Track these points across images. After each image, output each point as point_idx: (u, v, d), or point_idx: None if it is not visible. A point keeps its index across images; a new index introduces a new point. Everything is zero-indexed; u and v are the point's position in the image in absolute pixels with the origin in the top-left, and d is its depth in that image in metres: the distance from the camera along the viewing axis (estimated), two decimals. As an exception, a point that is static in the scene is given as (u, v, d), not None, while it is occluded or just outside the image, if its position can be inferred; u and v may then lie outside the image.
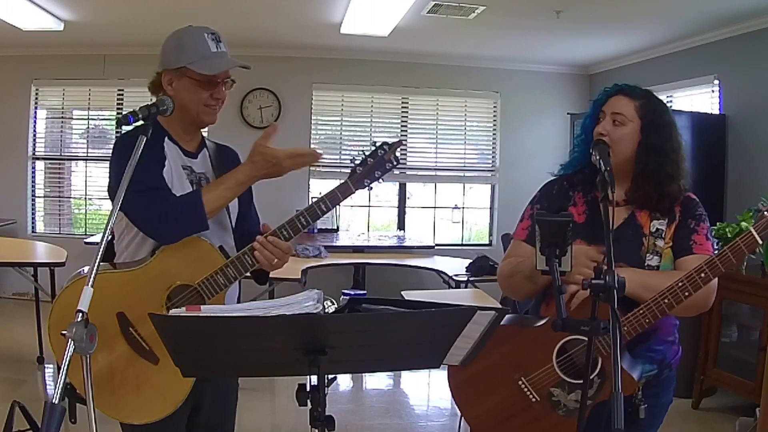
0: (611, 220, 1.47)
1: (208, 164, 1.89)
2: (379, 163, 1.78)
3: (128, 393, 1.69)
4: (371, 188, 1.80)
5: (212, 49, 1.76)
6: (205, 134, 1.99)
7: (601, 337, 1.59)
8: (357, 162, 1.79)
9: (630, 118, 1.74)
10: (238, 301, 1.99)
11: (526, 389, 1.75)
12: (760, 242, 1.58)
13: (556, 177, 1.91)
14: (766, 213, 1.57)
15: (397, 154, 1.81)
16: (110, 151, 1.82)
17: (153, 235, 1.73)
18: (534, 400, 1.75)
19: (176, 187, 1.77)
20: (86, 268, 1.73)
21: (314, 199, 1.80)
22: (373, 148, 1.79)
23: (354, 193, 1.79)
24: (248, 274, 1.90)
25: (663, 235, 1.74)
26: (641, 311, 1.63)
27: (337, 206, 1.86)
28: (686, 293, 1.59)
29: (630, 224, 1.77)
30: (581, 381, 1.66)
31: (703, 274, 1.58)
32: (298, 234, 1.78)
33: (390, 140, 1.80)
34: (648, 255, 1.73)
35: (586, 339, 1.66)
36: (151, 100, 1.74)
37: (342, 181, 1.79)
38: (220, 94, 1.79)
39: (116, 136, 1.85)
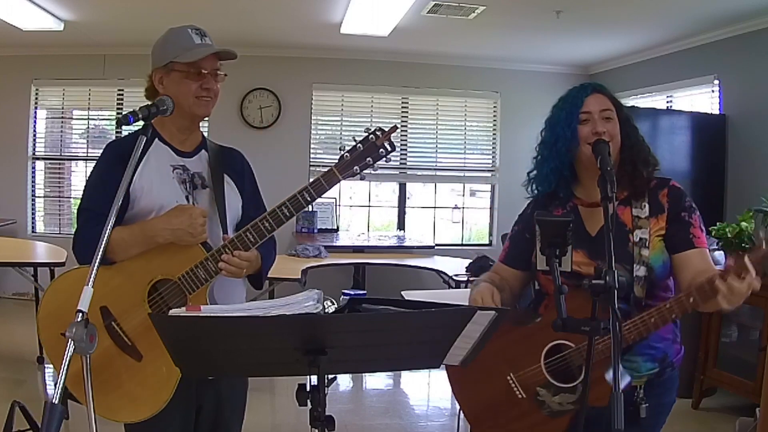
0: (611, 220, 1.47)
1: (205, 163, 1.89)
2: (371, 149, 1.66)
3: (112, 390, 1.68)
4: (363, 177, 1.68)
5: (196, 41, 1.79)
6: (206, 134, 1.98)
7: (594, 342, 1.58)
8: (347, 148, 1.68)
9: (614, 114, 1.77)
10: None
11: (513, 385, 1.78)
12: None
13: (533, 197, 1.93)
14: (764, 243, 1.45)
15: (393, 139, 1.68)
16: None
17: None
18: (521, 396, 1.77)
19: (156, 187, 1.76)
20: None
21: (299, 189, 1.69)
22: (366, 133, 1.68)
23: (341, 181, 1.70)
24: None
25: (647, 225, 1.73)
26: (627, 326, 1.60)
27: (337, 205, 1.83)
28: (673, 315, 1.58)
29: (614, 223, 1.77)
30: (566, 385, 1.68)
31: (691, 299, 1.53)
32: (281, 225, 1.70)
33: (393, 140, 1.70)
34: (636, 249, 1.72)
35: (574, 345, 1.68)
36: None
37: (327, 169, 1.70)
38: (210, 85, 1.79)
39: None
